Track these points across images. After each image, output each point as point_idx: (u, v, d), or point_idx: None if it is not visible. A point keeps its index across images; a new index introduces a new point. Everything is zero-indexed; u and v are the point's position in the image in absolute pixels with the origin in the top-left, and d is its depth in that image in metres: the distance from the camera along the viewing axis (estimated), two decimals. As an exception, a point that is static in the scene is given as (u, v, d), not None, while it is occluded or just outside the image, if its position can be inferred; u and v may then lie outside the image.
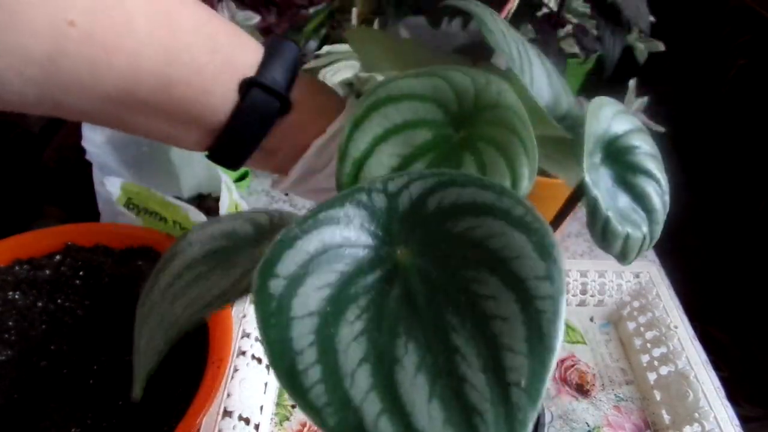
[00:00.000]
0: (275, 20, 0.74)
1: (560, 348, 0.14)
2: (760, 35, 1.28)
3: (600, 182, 0.22)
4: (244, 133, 0.31)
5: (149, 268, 0.51)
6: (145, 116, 0.29)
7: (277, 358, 0.14)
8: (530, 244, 0.15)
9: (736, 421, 0.53)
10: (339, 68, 0.58)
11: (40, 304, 0.48)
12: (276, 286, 0.15)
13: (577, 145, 0.21)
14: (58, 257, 0.51)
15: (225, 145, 0.31)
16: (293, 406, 0.54)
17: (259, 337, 0.14)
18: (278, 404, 0.54)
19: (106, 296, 0.50)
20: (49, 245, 0.51)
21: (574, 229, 0.76)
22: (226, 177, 0.60)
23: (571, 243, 0.75)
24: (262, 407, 0.51)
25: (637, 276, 0.64)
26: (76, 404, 0.42)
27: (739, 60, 1.31)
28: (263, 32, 0.69)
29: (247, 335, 0.54)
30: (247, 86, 0.30)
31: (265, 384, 0.53)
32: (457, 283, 0.16)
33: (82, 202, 0.62)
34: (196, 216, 0.57)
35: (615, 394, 0.57)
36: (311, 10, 0.75)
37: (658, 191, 0.24)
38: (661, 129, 0.57)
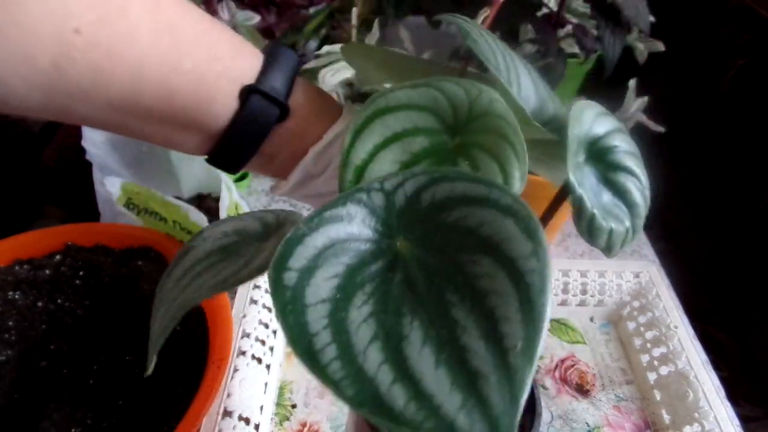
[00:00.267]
0: (275, 20, 0.74)
1: (549, 315, 0.16)
2: (759, 35, 1.28)
3: (584, 181, 0.23)
4: (244, 138, 0.32)
5: (149, 268, 0.52)
6: (147, 122, 0.30)
7: (296, 340, 0.16)
8: (517, 227, 0.17)
9: (737, 421, 0.53)
10: (339, 68, 0.58)
11: (40, 304, 0.48)
12: (289, 278, 0.17)
13: (562, 147, 0.23)
14: (58, 257, 0.51)
15: (224, 150, 0.32)
16: (293, 406, 0.54)
17: (278, 325, 0.16)
18: (278, 404, 0.54)
19: (106, 296, 0.50)
20: (49, 245, 0.51)
21: (574, 230, 0.76)
22: (226, 177, 0.60)
23: (572, 243, 0.75)
24: (262, 407, 0.51)
25: (637, 276, 0.64)
26: (76, 404, 0.42)
27: (739, 60, 1.32)
28: (263, 32, 0.69)
29: (247, 335, 0.54)
30: (247, 93, 0.31)
31: (265, 384, 0.53)
32: (454, 266, 0.18)
33: (82, 202, 0.62)
34: (196, 216, 0.57)
35: (615, 394, 0.57)
36: (311, 10, 0.75)
37: (639, 187, 0.25)
38: (661, 129, 0.57)
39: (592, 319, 0.65)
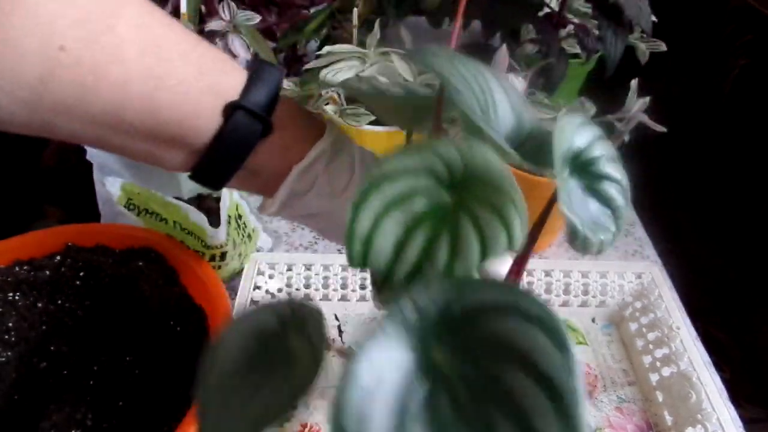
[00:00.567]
0: (276, 20, 0.74)
1: (585, 423, 0.17)
2: (761, 35, 1.28)
3: (572, 196, 0.25)
4: (228, 153, 0.32)
5: (149, 268, 0.51)
6: (131, 138, 0.31)
7: None
8: (548, 339, 0.18)
9: (739, 423, 0.53)
10: (340, 68, 0.58)
11: (40, 305, 0.48)
12: (350, 424, 0.18)
13: (549, 156, 0.24)
14: (58, 258, 0.51)
15: (208, 165, 0.33)
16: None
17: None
18: (279, 405, 0.54)
19: (107, 297, 0.50)
20: (49, 246, 0.51)
21: (575, 230, 0.76)
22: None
23: (573, 243, 0.75)
24: (262, 408, 0.51)
25: (639, 277, 0.64)
26: (76, 405, 0.42)
27: (741, 60, 1.31)
28: (264, 32, 0.69)
29: (248, 336, 0.54)
30: (231, 109, 0.31)
31: (266, 385, 0.53)
32: (494, 380, 0.18)
33: (82, 202, 0.62)
34: (196, 216, 0.57)
35: (617, 396, 0.57)
36: (312, 11, 0.75)
37: (620, 190, 0.27)
38: (662, 129, 0.57)
39: (593, 320, 0.65)
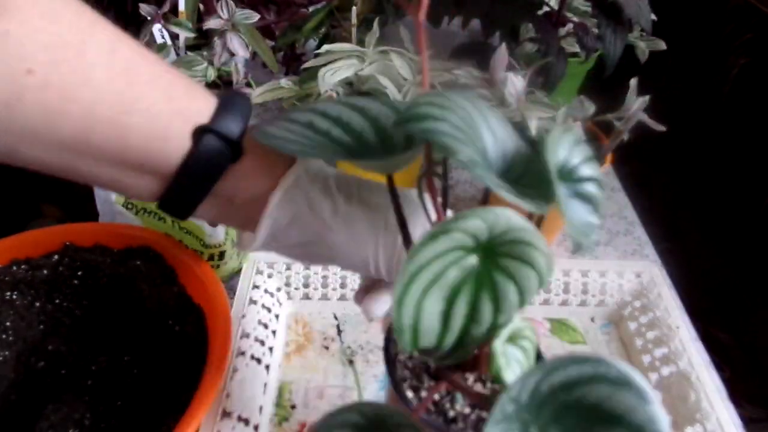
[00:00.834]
0: (274, 19, 0.74)
1: None
2: (761, 34, 1.27)
3: (569, 207, 0.26)
4: (196, 177, 0.32)
5: (148, 268, 0.51)
6: (99, 164, 0.30)
7: None
8: (634, 396, 0.21)
9: (739, 423, 0.53)
10: (338, 67, 0.58)
11: (38, 304, 0.48)
12: None
13: (536, 177, 0.26)
14: (56, 257, 0.51)
15: (176, 190, 0.32)
16: (293, 407, 0.54)
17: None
18: (277, 405, 0.54)
19: (105, 296, 0.50)
20: (47, 245, 0.51)
21: (575, 229, 0.76)
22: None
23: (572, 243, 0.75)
24: (261, 408, 0.51)
25: (638, 276, 0.63)
26: (74, 405, 0.42)
27: (741, 59, 1.31)
28: (262, 31, 0.68)
29: (247, 335, 0.54)
30: (200, 132, 0.31)
31: (265, 384, 0.53)
32: None
33: (80, 201, 0.62)
34: (195, 216, 0.57)
35: (616, 395, 0.57)
36: (310, 9, 0.74)
37: (598, 185, 0.28)
38: (662, 128, 0.57)
39: (593, 320, 0.65)
